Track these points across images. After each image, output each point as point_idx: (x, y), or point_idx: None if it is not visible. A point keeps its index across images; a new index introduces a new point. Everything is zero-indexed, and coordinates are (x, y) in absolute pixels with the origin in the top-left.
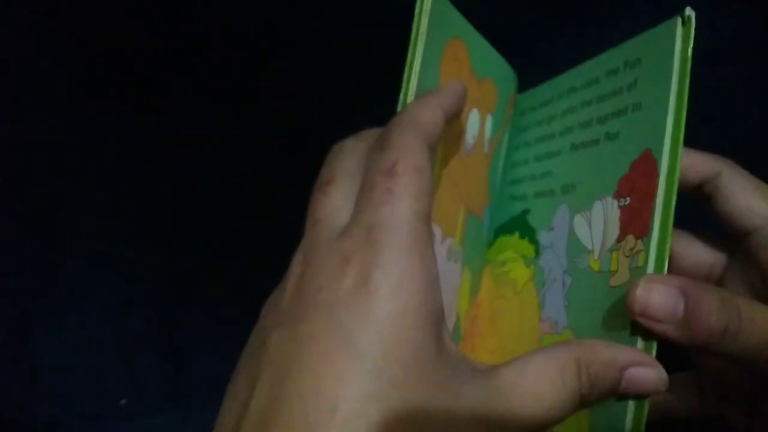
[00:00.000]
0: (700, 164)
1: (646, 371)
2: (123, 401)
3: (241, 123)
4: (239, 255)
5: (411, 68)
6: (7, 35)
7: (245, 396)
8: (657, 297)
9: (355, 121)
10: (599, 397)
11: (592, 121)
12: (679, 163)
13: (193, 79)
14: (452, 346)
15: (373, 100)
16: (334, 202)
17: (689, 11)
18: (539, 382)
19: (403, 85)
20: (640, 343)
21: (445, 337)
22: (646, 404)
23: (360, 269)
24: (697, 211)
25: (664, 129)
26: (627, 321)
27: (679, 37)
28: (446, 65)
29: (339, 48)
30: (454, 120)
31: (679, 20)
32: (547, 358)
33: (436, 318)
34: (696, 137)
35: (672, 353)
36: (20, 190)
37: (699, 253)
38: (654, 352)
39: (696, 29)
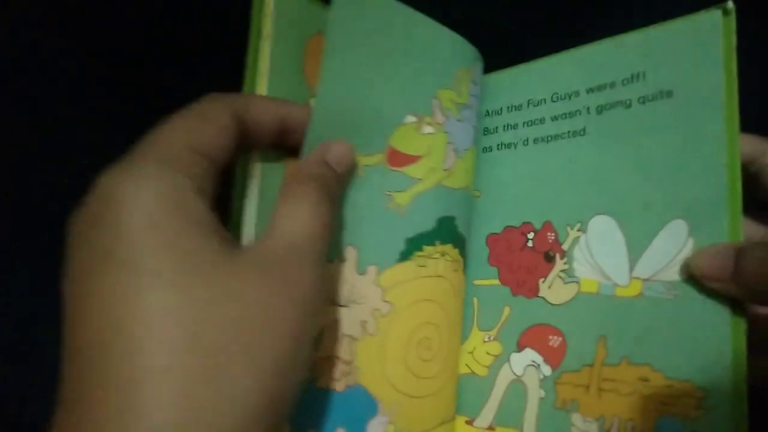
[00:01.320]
0: (744, 146)
1: (342, 147)
2: None
3: None
4: None
5: (255, 68)
6: (7, 35)
7: None
8: (703, 258)
9: None
10: (336, 183)
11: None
12: (738, 145)
13: (195, 80)
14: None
15: None
16: None
17: (730, 4)
18: (290, 214)
19: (248, 84)
20: (730, 321)
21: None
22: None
23: None
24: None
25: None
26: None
27: (722, 27)
28: (310, 62)
29: None
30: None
31: (720, 11)
32: (283, 197)
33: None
34: None
35: None
36: (23, 190)
37: (749, 228)
38: (744, 328)
39: None
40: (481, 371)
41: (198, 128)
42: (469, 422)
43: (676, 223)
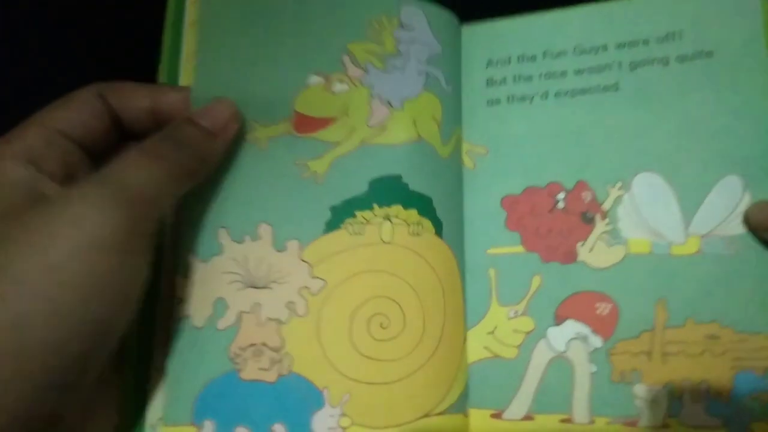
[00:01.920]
0: None
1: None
2: None
3: None
4: None
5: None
6: (7, 35)
7: None
8: (759, 210)
9: None
10: (192, 130)
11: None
12: None
13: None
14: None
15: None
16: None
17: None
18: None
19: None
20: None
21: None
22: None
23: None
24: None
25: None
26: None
27: None
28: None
29: None
30: None
31: None
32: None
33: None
34: None
35: None
36: None
37: None
38: None
39: None
40: (509, 353)
41: (55, 107)
42: (496, 415)
43: (729, 178)
